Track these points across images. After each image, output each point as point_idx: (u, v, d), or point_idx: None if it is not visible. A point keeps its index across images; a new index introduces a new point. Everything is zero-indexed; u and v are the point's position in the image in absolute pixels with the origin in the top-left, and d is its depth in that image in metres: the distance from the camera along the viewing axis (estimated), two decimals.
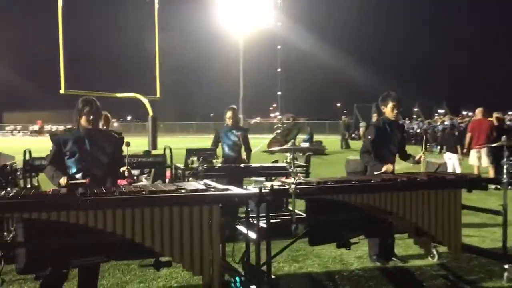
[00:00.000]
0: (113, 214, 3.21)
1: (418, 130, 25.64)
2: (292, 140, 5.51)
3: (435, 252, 4.91)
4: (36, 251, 3.32)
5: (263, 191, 3.60)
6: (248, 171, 5.79)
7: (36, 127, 54.43)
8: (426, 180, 4.24)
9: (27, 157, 6.18)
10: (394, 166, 4.89)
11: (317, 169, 14.69)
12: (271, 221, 3.72)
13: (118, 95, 25.74)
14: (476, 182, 4.51)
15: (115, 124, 29.54)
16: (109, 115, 6.14)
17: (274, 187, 3.63)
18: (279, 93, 33.27)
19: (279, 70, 32.96)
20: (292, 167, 3.63)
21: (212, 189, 3.51)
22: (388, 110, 4.90)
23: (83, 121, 3.78)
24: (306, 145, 20.60)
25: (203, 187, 3.56)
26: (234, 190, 3.55)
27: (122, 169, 3.81)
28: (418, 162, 4.98)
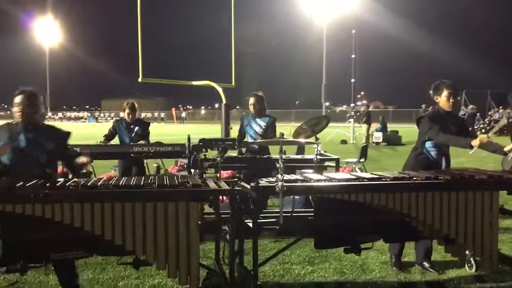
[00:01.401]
0: (81, 208, 3.06)
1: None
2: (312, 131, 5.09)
3: (472, 262, 4.27)
4: (7, 243, 3.24)
5: (249, 187, 3.27)
6: (269, 163, 5.40)
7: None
8: (449, 180, 3.63)
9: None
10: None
11: (386, 161, 13.94)
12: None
13: (194, 83, 26.12)
14: None
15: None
16: (135, 104, 6.04)
17: (260, 184, 3.26)
18: (352, 80, 31.94)
19: (353, 56, 31.61)
20: (281, 162, 3.23)
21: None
22: (443, 100, 4.29)
23: (17, 115, 3.51)
24: (380, 135, 19.65)
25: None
26: (211, 185, 3.24)
27: (79, 160, 3.62)
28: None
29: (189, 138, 4.76)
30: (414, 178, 3.61)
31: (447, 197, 3.63)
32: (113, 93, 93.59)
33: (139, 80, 23.02)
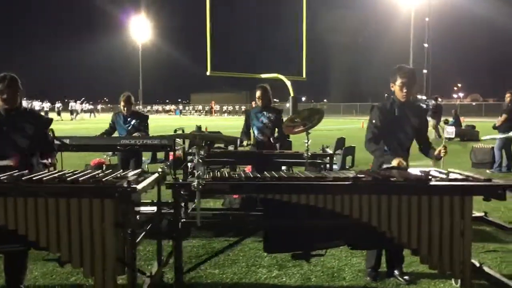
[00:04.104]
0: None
1: None
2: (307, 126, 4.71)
3: None
4: None
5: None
6: (259, 158, 5.09)
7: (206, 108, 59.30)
8: (404, 182, 3.14)
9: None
10: (407, 160, 3.82)
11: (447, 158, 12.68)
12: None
13: (263, 76, 26.04)
14: (492, 189, 3.19)
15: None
16: (131, 96, 6.00)
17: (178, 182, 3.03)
18: (424, 71, 29.87)
19: (426, 45, 29.53)
20: (198, 159, 2.97)
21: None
22: (397, 89, 3.81)
23: None
24: (452, 130, 18.21)
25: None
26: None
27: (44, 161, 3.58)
28: (438, 158, 3.80)
29: (175, 130, 4.59)
30: (361, 179, 3.16)
31: (407, 202, 3.15)
32: (201, 87, 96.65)
33: (207, 73, 23.53)
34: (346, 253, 4.46)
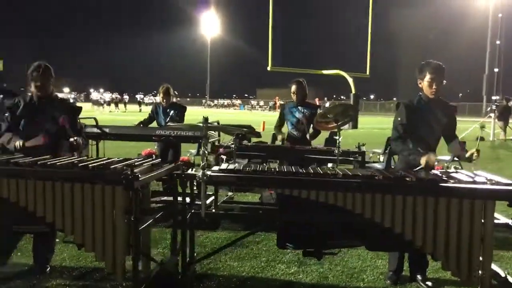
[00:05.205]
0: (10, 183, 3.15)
1: None
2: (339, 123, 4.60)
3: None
4: None
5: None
6: (291, 153, 5.01)
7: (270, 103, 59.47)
8: (426, 183, 2.97)
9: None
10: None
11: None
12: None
13: (324, 72, 25.76)
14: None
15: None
16: (171, 88, 6.12)
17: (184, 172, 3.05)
18: (496, 69, 28.03)
19: (498, 42, 27.70)
20: (204, 150, 2.97)
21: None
22: (425, 85, 3.62)
23: (32, 87, 3.77)
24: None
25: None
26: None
27: (70, 140, 3.72)
28: (470, 160, 3.57)
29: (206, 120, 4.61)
30: (373, 177, 3.03)
31: (422, 203, 3.00)
32: (268, 83, 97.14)
33: (268, 68, 23.64)
34: (372, 254, 4.32)
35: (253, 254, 4.32)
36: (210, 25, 66.84)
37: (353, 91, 23.93)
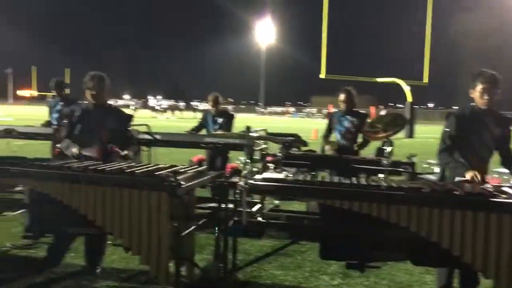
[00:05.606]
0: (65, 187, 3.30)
1: None
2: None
3: None
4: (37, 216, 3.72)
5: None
6: (338, 162, 4.94)
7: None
8: (469, 196, 2.86)
9: None
10: (486, 173, 3.49)
11: None
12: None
13: (378, 79, 25.29)
14: None
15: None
16: (220, 96, 6.20)
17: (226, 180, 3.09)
18: None
19: None
20: (247, 159, 3.00)
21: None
22: (477, 95, 3.49)
23: (87, 95, 3.96)
24: None
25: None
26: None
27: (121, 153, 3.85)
28: None
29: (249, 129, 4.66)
30: (420, 190, 2.95)
31: (472, 218, 2.88)
32: (323, 90, 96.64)
33: (321, 76, 23.54)
34: (420, 269, 4.19)
35: (297, 264, 4.30)
36: (265, 33, 67.46)
37: (409, 99, 23.35)
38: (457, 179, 3.42)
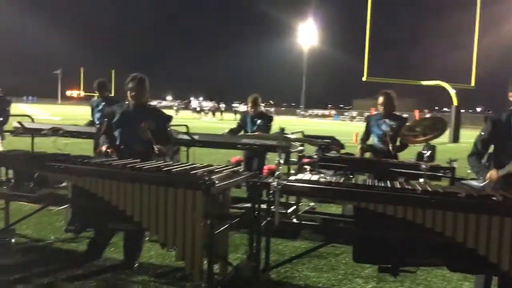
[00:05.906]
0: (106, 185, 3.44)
1: None
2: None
3: None
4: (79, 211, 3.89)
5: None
6: (375, 166, 4.88)
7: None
8: (506, 202, 2.79)
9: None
10: None
11: None
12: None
13: (423, 83, 24.72)
14: None
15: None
16: (259, 98, 6.24)
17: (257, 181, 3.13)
18: None
19: None
20: (280, 160, 3.03)
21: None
22: None
23: (128, 96, 4.08)
24: None
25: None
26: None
27: (154, 147, 3.94)
28: None
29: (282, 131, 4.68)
30: (455, 195, 2.89)
31: (510, 224, 2.81)
32: (365, 93, 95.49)
33: (363, 79, 23.23)
34: (457, 276, 4.09)
35: (331, 266, 4.29)
36: (307, 35, 67.20)
37: (455, 103, 22.72)
38: (473, 183, 3.35)
